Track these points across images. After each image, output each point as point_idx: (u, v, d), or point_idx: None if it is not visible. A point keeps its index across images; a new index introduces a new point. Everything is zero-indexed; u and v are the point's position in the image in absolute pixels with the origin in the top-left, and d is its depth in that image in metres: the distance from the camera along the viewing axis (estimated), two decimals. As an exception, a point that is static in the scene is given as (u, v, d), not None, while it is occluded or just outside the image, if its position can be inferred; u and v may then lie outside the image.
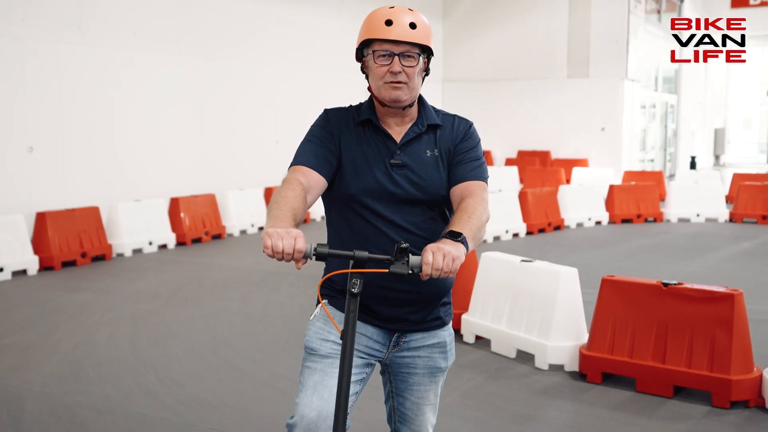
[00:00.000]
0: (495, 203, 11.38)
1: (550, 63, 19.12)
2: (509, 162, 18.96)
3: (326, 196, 2.55)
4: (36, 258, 8.89)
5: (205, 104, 12.57)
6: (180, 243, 10.92)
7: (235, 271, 9.00)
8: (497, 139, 19.52)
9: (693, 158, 22.94)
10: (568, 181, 16.19)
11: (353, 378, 2.43)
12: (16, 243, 8.73)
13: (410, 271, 2.08)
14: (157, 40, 11.62)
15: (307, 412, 2.32)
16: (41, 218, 9.21)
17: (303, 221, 2.31)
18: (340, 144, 2.48)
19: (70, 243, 9.34)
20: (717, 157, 29.36)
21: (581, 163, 18.29)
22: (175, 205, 11.10)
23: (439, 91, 20.09)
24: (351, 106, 2.59)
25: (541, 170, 16.77)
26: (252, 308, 7.25)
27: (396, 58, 2.37)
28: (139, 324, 6.65)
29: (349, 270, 2.17)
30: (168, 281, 8.49)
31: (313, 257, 2.10)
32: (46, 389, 4.96)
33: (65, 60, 10.20)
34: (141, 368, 5.40)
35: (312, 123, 2.57)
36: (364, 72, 2.50)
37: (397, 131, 2.50)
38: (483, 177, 2.49)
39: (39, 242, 9.14)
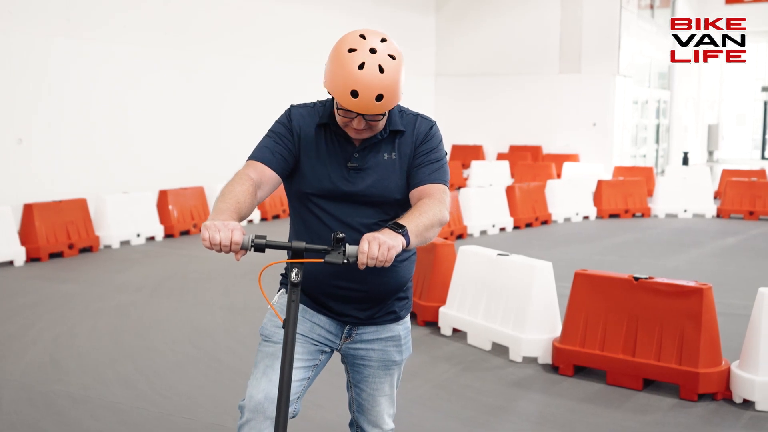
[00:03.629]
0: (482, 198, 11.47)
1: (542, 58, 19.17)
2: (501, 156, 18.99)
3: (287, 193, 2.59)
4: (23, 249, 8.93)
5: (194, 97, 12.60)
6: (168, 235, 10.97)
7: (221, 264, 9.04)
8: (489, 133, 19.59)
9: (685, 154, 23.01)
10: (558, 176, 16.21)
11: (305, 364, 2.50)
12: (3, 234, 8.76)
13: (345, 260, 2.12)
14: (145, 33, 11.65)
15: (255, 393, 2.40)
16: (28, 210, 9.25)
17: (249, 215, 2.35)
18: (299, 142, 2.48)
19: (57, 234, 9.38)
20: (710, 153, 29.42)
21: (572, 158, 18.33)
22: (163, 198, 11.15)
23: (431, 85, 20.12)
24: (317, 102, 2.56)
25: (532, 165, 16.79)
26: (234, 300, 7.30)
27: (360, 116, 2.34)
28: (122, 315, 6.71)
29: (287, 260, 2.23)
30: (153, 273, 8.54)
31: (252, 248, 2.15)
32: (24, 379, 5.01)
33: (53, 52, 10.23)
34: (121, 359, 5.46)
35: (276, 118, 2.57)
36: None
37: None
38: (443, 180, 2.48)
39: (26, 233, 9.17)
